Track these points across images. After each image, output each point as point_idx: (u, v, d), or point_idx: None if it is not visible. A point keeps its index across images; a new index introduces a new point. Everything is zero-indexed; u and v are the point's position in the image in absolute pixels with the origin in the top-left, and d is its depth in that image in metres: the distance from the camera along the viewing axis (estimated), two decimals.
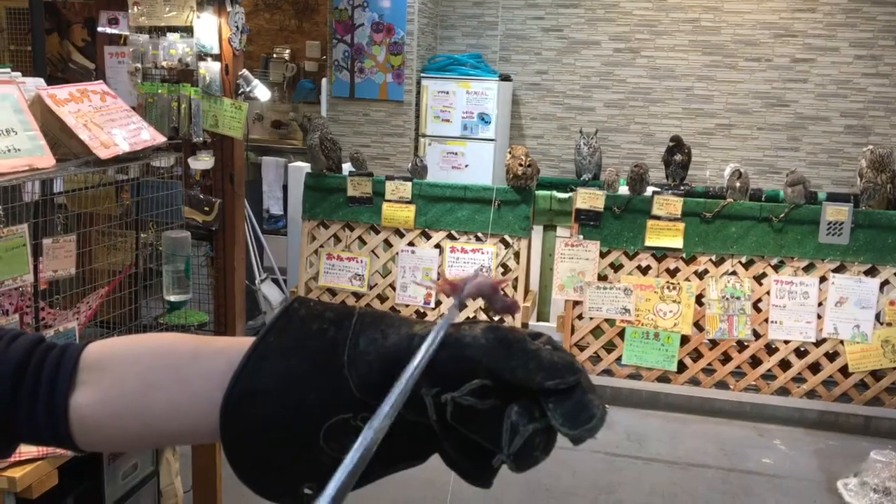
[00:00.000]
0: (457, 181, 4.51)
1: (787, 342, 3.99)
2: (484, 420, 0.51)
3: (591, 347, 4.19)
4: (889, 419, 4.01)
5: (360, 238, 4.38)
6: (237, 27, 3.41)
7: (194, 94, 3.34)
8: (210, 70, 3.35)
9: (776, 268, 4.00)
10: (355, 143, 5.98)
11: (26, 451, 1.74)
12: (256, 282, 4.82)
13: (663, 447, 3.82)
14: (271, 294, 4.89)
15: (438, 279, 4.25)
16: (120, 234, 2.34)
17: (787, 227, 3.95)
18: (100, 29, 3.51)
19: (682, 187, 4.39)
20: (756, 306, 4.01)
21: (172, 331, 2.41)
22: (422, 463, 0.56)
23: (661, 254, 4.10)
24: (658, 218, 4.06)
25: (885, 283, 3.90)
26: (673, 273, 4.11)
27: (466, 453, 0.53)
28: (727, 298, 4.00)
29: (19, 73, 2.21)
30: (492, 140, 6.05)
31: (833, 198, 3.98)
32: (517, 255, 4.20)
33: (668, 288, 4.06)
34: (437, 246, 4.27)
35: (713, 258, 4.05)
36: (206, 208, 3.41)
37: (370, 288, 4.34)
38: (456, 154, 6.08)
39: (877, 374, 3.94)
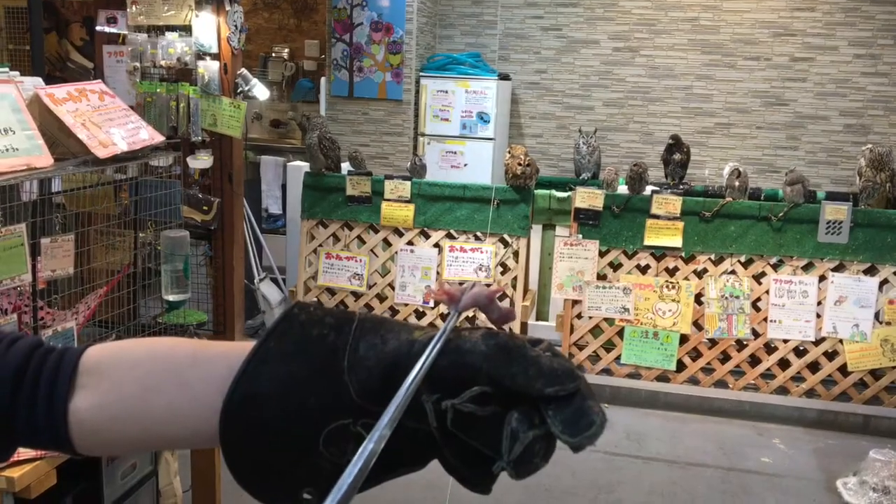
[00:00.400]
0: (456, 180, 4.51)
1: (786, 341, 3.99)
2: (484, 427, 0.51)
3: (590, 346, 4.19)
4: (888, 418, 4.01)
5: (359, 237, 4.38)
6: (236, 26, 3.40)
7: (193, 94, 3.33)
8: (209, 69, 3.34)
9: (775, 267, 4.00)
10: (354, 143, 5.98)
11: (24, 451, 1.74)
12: (255, 281, 4.81)
13: (663, 446, 3.82)
14: (270, 293, 4.88)
15: (436, 283, 4.24)
16: (118, 234, 2.34)
17: (786, 226, 3.95)
18: (98, 28, 3.50)
19: (681, 186, 4.39)
20: (755, 305, 4.01)
21: (171, 330, 2.41)
22: (422, 468, 0.56)
23: (660, 253, 4.09)
24: (657, 217, 4.06)
25: (884, 282, 3.90)
26: (672, 272, 4.11)
27: (466, 460, 0.53)
28: (726, 297, 4.00)
29: (17, 73, 2.20)
30: (491, 139, 6.04)
31: (832, 197, 3.98)
32: (516, 254, 4.20)
33: (667, 287, 4.06)
34: (437, 245, 4.27)
35: (712, 257, 4.05)
36: (205, 207, 3.41)
37: (369, 287, 4.34)
38: (455, 153, 6.07)
39: (876, 374, 3.94)
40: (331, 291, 4.39)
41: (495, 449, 0.50)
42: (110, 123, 2.06)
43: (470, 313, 0.56)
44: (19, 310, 1.86)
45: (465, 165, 6.05)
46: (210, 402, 0.57)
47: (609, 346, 4.18)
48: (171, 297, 2.40)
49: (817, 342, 3.96)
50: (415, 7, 5.98)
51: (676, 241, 4.05)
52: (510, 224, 4.18)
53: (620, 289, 4.10)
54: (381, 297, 4.36)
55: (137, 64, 3.35)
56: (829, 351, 3.97)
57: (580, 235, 4.14)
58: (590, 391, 0.51)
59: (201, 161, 3.38)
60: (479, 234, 4.23)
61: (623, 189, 4.22)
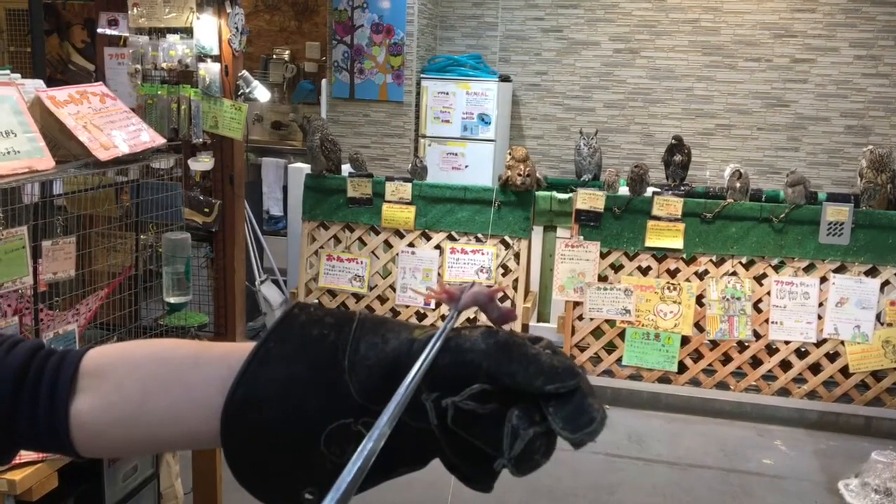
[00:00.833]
0: (457, 182, 4.51)
1: (787, 343, 3.98)
2: (485, 424, 0.51)
3: (591, 348, 4.19)
4: (890, 419, 4.00)
5: (360, 239, 4.38)
6: (237, 28, 3.41)
7: (194, 96, 3.33)
8: (210, 71, 3.34)
9: (776, 268, 4.00)
10: (355, 144, 5.98)
11: (26, 454, 1.74)
12: (256, 283, 4.82)
13: (664, 448, 3.82)
14: (271, 295, 4.88)
15: (436, 283, 4.24)
16: (120, 236, 2.34)
17: (787, 228, 3.94)
18: (99, 30, 3.50)
19: (682, 188, 4.39)
20: (756, 307, 4.01)
21: (172, 332, 2.41)
22: (423, 467, 0.56)
23: (661, 254, 4.09)
24: (658, 218, 4.06)
25: (885, 283, 3.90)
26: (673, 274, 4.11)
27: (467, 457, 0.53)
28: (727, 299, 4.00)
29: (19, 75, 2.20)
30: (492, 141, 6.05)
31: (833, 198, 3.98)
32: (517, 255, 4.20)
33: (668, 288, 4.06)
34: (438, 247, 4.27)
35: (713, 259, 4.04)
36: (206, 209, 3.41)
37: (370, 289, 4.34)
38: (456, 155, 6.07)
39: (877, 375, 3.94)
40: (332, 293, 4.39)
41: (496, 446, 0.50)
42: (111, 126, 2.06)
43: (471, 314, 0.56)
44: (20, 312, 1.86)
45: (466, 167, 6.05)
46: (211, 404, 0.57)
47: (610, 347, 4.18)
48: (172, 300, 2.40)
49: (819, 343, 3.96)
50: (415, 9, 5.98)
51: (678, 243, 4.04)
52: (511, 226, 4.18)
53: (622, 290, 4.10)
54: (383, 299, 4.36)
55: (139, 66, 3.36)
56: (831, 352, 3.96)
57: (581, 237, 4.14)
58: (590, 388, 0.51)
59: (202, 163, 3.38)
60: (480, 235, 4.23)
61: (624, 190, 4.22)
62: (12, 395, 0.61)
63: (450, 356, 0.52)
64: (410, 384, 0.50)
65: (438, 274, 4.25)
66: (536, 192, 4.26)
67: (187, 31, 3.32)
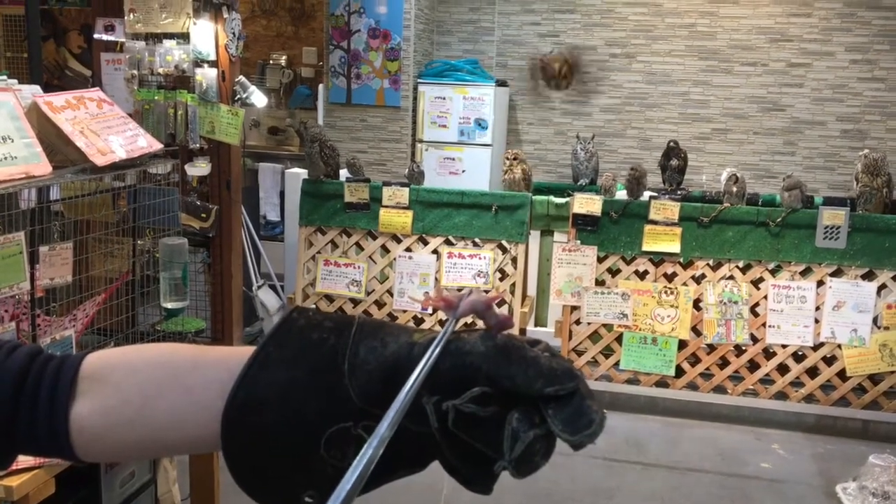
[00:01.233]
0: (454, 186, 4.51)
1: (784, 346, 3.99)
2: (485, 427, 0.51)
3: (589, 352, 4.19)
4: (887, 423, 4.01)
5: (357, 244, 4.38)
6: (234, 34, 3.41)
7: (191, 101, 3.33)
8: (206, 76, 3.34)
9: (773, 272, 4.01)
10: (352, 149, 5.98)
11: (23, 459, 1.73)
12: (254, 288, 4.81)
13: (662, 452, 3.82)
14: (268, 300, 4.88)
15: (434, 290, 4.24)
16: (117, 241, 2.34)
17: (784, 232, 3.95)
18: (96, 36, 3.50)
19: (678, 192, 4.39)
20: (754, 311, 4.02)
21: (169, 338, 2.41)
22: (422, 470, 0.56)
23: (658, 258, 4.10)
24: (655, 223, 4.06)
25: (882, 286, 3.91)
26: (670, 278, 4.11)
27: (468, 460, 0.53)
28: (725, 303, 4.01)
29: (16, 81, 2.20)
30: (489, 146, 6.05)
31: (829, 202, 3.99)
32: (514, 260, 4.20)
33: (665, 293, 4.06)
34: (435, 251, 4.27)
35: (710, 263, 4.05)
36: (203, 215, 3.40)
37: (368, 294, 4.34)
38: (453, 159, 6.08)
39: (875, 378, 3.94)
40: (329, 298, 4.38)
41: (496, 449, 0.51)
42: (109, 131, 2.06)
43: (468, 319, 0.57)
44: (17, 318, 1.86)
45: (464, 172, 6.05)
46: (211, 407, 0.57)
47: (608, 351, 4.18)
48: (169, 305, 2.39)
49: (816, 347, 3.96)
50: (412, 14, 5.99)
51: (675, 247, 4.05)
52: (508, 230, 4.18)
53: (619, 294, 4.11)
54: (380, 304, 4.36)
55: (135, 71, 3.36)
56: (828, 356, 3.97)
57: (578, 241, 4.14)
58: (588, 391, 0.52)
59: (199, 168, 3.38)
60: (477, 240, 4.23)
61: (621, 194, 4.23)
62: (12, 398, 0.61)
63: (450, 360, 0.52)
64: (411, 389, 0.51)
65: (436, 279, 4.25)
66: (534, 197, 4.26)
67: (184, 37, 3.32)
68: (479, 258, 4.20)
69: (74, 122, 1.98)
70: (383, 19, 6.00)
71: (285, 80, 7.26)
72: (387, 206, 4.27)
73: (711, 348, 4.05)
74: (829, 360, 3.98)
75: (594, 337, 4.18)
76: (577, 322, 4.19)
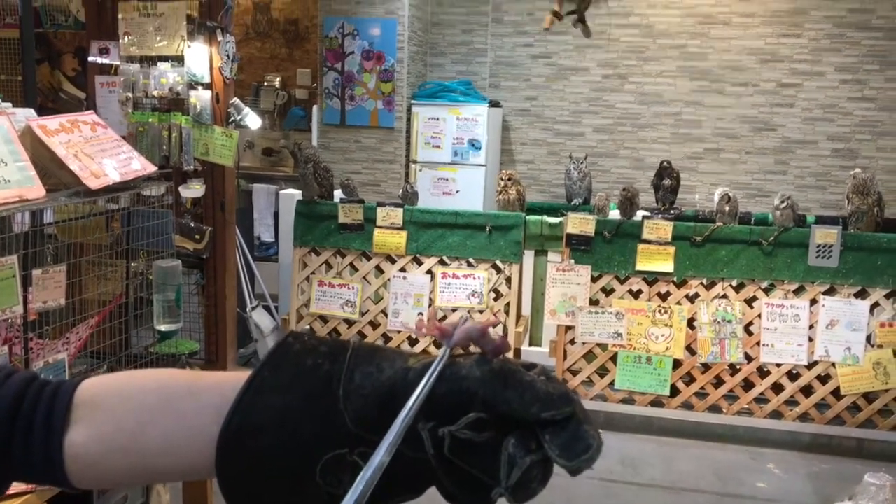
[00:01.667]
0: (448, 207, 4.52)
1: (779, 365, 3.99)
2: (481, 453, 0.51)
3: (583, 372, 4.18)
4: (882, 441, 4.00)
5: (351, 264, 4.38)
6: (228, 56, 3.42)
7: (185, 123, 3.34)
8: (201, 99, 3.36)
9: (767, 291, 4.01)
10: (346, 170, 6.00)
11: (16, 485, 1.72)
12: (248, 309, 4.80)
13: (657, 472, 3.81)
14: (262, 321, 4.87)
15: (428, 317, 4.22)
16: (110, 264, 2.33)
17: (776, 251, 3.97)
18: (91, 59, 3.52)
19: (671, 211, 4.41)
20: (747, 329, 4.02)
21: (163, 360, 2.40)
22: (418, 497, 0.56)
23: (652, 278, 4.11)
24: (648, 242, 4.07)
25: (875, 305, 3.92)
26: (664, 297, 4.12)
27: (464, 486, 0.53)
28: (718, 322, 4.01)
29: (9, 104, 2.21)
30: (482, 166, 6.07)
31: (821, 221, 4.01)
32: (509, 280, 4.21)
33: (659, 312, 4.07)
34: (429, 272, 4.27)
35: (704, 282, 4.06)
36: (197, 236, 3.41)
37: (362, 314, 4.33)
38: (447, 180, 6.10)
39: (869, 397, 3.94)
40: (323, 319, 4.38)
41: (493, 475, 0.51)
42: (102, 154, 2.07)
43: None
44: (10, 342, 1.85)
45: (457, 192, 6.07)
46: (205, 433, 0.57)
47: (603, 371, 4.18)
48: (162, 327, 2.39)
49: (810, 366, 3.97)
50: (406, 36, 6.03)
51: (668, 266, 4.06)
52: (502, 250, 4.19)
53: (613, 314, 4.11)
54: (374, 325, 4.35)
55: (129, 94, 3.37)
56: (822, 374, 3.97)
57: (572, 261, 4.15)
58: (585, 415, 0.52)
59: (193, 190, 3.39)
60: (471, 260, 4.24)
61: (614, 214, 4.24)
62: (8, 425, 0.61)
63: (445, 385, 0.52)
64: (409, 413, 0.51)
65: (430, 299, 4.25)
66: (527, 217, 4.27)
67: (178, 59, 3.33)
68: (474, 278, 4.20)
69: (68, 146, 1.99)
70: (377, 41, 6.03)
71: (279, 101, 7.29)
72: (381, 227, 4.28)
73: (706, 367, 4.05)
74: (823, 379, 3.98)
75: (589, 356, 4.18)
76: (572, 342, 4.18)
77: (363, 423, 0.53)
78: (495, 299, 4.21)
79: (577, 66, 6.54)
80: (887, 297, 3.91)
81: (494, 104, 6.34)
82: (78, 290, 2.09)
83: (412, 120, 6.11)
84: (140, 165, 2.17)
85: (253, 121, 3.80)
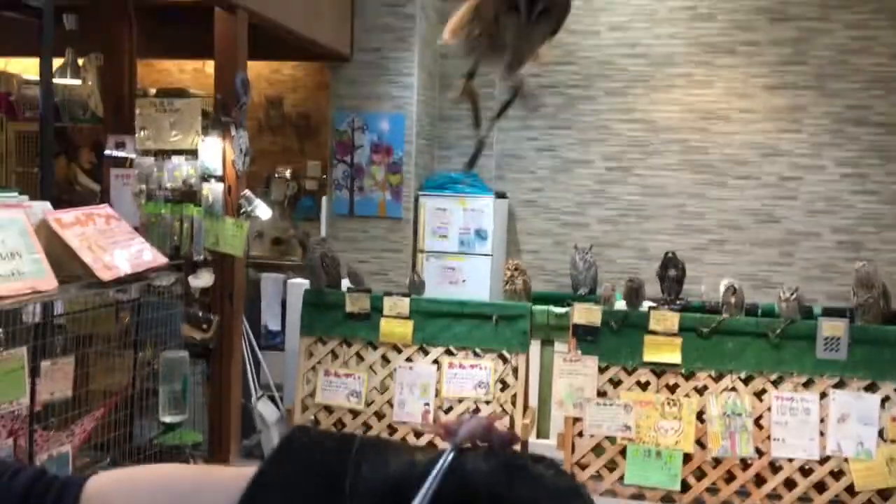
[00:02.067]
0: (454, 296, 4.54)
1: (790, 460, 3.91)
2: None
3: (592, 466, 4.11)
4: None
5: (357, 353, 4.37)
6: (241, 150, 3.52)
7: (196, 214, 3.41)
8: (213, 190, 3.43)
9: (775, 383, 3.98)
10: (354, 259, 6.05)
11: None
12: (252, 399, 4.76)
13: None
14: (267, 412, 4.82)
15: (433, 417, 4.18)
16: (118, 354, 2.35)
17: (784, 343, 3.95)
18: (107, 152, 3.62)
19: (678, 302, 4.42)
20: (758, 423, 3.96)
21: (167, 452, 2.38)
22: None
23: (660, 369, 4.08)
24: (655, 333, 4.06)
25: (885, 398, 3.87)
26: (673, 389, 4.08)
27: None
28: (728, 415, 3.96)
29: (26, 197, 2.27)
30: (489, 255, 6.12)
31: (828, 312, 4.00)
32: (515, 370, 4.18)
33: (668, 404, 4.02)
34: (436, 361, 4.25)
35: (712, 374, 4.03)
36: (205, 326, 3.42)
37: (367, 405, 4.30)
38: (453, 269, 6.13)
39: (884, 494, 3.85)
40: (328, 409, 4.34)
41: None
42: (115, 246, 2.11)
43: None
44: (15, 434, 1.85)
45: (464, 281, 6.09)
46: None
47: (612, 465, 4.10)
48: (167, 419, 2.38)
49: (822, 461, 3.89)
50: (413, 130, 6.18)
51: (676, 358, 4.04)
52: (509, 340, 4.18)
53: (621, 406, 4.07)
54: (380, 415, 4.31)
55: (143, 186, 3.45)
56: (835, 470, 3.89)
57: (579, 351, 4.13)
58: None
59: (202, 279, 3.43)
60: (478, 350, 4.23)
61: (620, 304, 4.25)
62: None
63: (452, 480, 0.52)
64: None
65: (436, 389, 4.22)
66: (533, 307, 4.28)
67: (192, 153, 3.43)
68: (480, 368, 4.18)
69: (82, 238, 2.03)
70: (386, 135, 6.18)
71: (290, 192, 7.42)
72: (387, 316, 4.29)
73: (717, 462, 3.98)
74: (836, 475, 3.89)
75: (597, 450, 4.11)
76: (580, 434, 4.12)
77: None
78: (502, 390, 4.17)
79: (582, 159, 6.67)
80: None
81: (500, 195, 6.44)
82: (85, 381, 2.09)
83: (419, 210, 6.20)
84: (151, 256, 2.21)
85: (263, 211, 3.87)
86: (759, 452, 3.94)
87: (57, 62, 3.98)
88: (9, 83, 5.15)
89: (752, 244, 6.42)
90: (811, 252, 6.33)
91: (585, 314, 4.14)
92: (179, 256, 3.26)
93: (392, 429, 4.25)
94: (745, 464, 3.96)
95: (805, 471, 3.93)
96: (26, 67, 5.19)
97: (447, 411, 4.20)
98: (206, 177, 3.43)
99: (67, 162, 4.60)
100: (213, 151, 3.44)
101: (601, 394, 4.12)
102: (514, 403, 4.15)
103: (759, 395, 3.99)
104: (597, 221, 6.66)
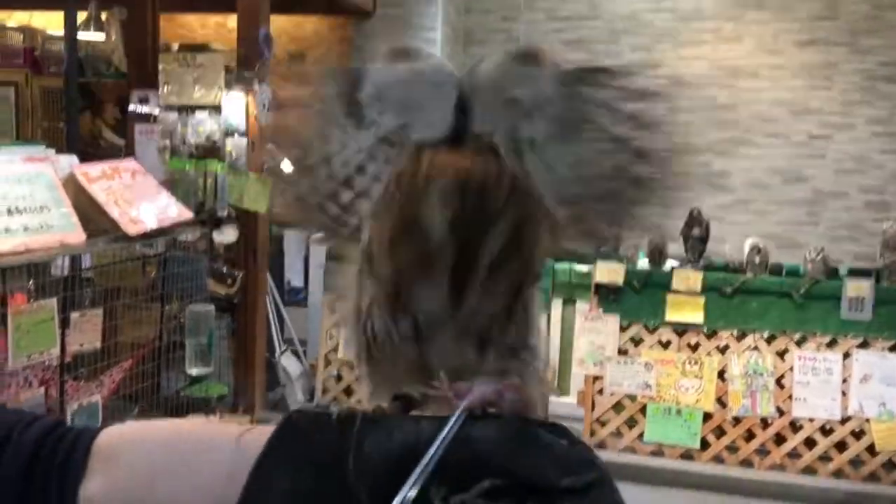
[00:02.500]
0: None
1: (811, 420, 3.91)
2: None
3: (612, 423, 4.14)
4: None
5: None
6: (264, 105, 3.51)
7: (220, 170, 3.42)
8: (237, 146, 3.44)
9: (799, 343, 3.96)
10: None
11: None
12: (276, 354, 4.82)
13: None
14: (291, 366, 4.88)
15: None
16: (145, 308, 2.38)
17: (808, 303, 3.92)
18: (131, 107, 3.62)
19: (700, 261, 4.39)
20: (779, 382, 3.96)
21: (193, 403, 2.42)
22: None
23: (681, 328, 4.07)
24: (678, 292, 4.05)
25: None
26: (694, 348, 4.08)
27: None
28: (750, 374, 3.96)
29: (53, 150, 2.28)
30: None
31: (854, 273, 3.97)
32: None
33: (689, 363, 4.03)
34: None
35: (735, 333, 4.01)
36: (229, 281, 3.46)
37: None
38: None
39: None
40: (351, 366, 4.38)
41: None
42: (141, 201, 2.12)
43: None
44: (46, 384, 1.89)
45: None
46: (216, 495, 0.57)
47: (631, 422, 4.13)
48: (194, 371, 2.42)
49: (843, 421, 3.89)
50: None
51: (698, 317, 4.03)
52: None
53: (642, 364, 4.07)
54: None
55: (167, 142, 3.46)
56: (856, 430, 3.89)
57: (601, 310, 4.13)
58: (609, 482, 0.49)
59: (227, 235, 3.45)
60: None
61: (643, 262, 4.23)
62: (25, 473, 0.61)
63: (459, 449, 0.50)
64: (417, 481, 0.49)
65: None
66: (555, 265, 4.27)
67: (216, 108, 3.43)
68: None
69: (109, 192, 2.05)
70: None
71: None
72: None
73: (737, 421, 3.98)
74: (857, 434, 3.89)
75: (617, 407, 4.13)
76: (600, 392, 4.14)
77: (376, 497, 0.52)
78: None
79: None
80: None
81: None
82: (113, 333, 2.13)
83: None
84: (177, 212, 2.23)
85: (288, 167, 3.87)
86: (780, 411, 3.94)
87: (81, 16, 3.97)
88: (33, 38, 5.15)
89: (777, 204, 6.35)
90: (839, 212, 6.25)
91: (608, 274, 4.13)
92: (204, 212, 3.28)
93: None
94: (765, 423, 3.97)
95: (826, 430, 3.93)
96: (49, 21, 5.18)
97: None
98: (229, 132, 3.43)
99: (92, 117, 4.62)
100: (237, 107, 3.44)
101: (622, 352, 4.12)
102: None
103: (781, 354, 3.98)
104: None
